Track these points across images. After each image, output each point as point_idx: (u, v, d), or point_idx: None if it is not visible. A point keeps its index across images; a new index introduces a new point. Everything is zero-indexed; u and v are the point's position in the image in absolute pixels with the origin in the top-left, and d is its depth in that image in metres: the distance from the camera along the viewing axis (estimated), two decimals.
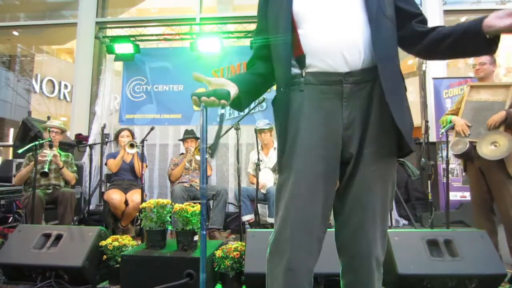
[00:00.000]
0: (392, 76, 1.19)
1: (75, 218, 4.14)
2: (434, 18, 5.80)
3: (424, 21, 1.27)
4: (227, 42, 5.55)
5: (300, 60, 1.21)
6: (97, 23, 6.37)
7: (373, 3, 1.19)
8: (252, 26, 5.40)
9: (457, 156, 3.11)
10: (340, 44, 1.17)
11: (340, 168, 1.22)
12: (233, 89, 1.19)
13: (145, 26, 5.83)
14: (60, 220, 3.77)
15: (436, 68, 5.59)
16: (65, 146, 4.94)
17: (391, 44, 1.22)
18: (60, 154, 3.97)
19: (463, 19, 6.56)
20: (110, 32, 5.80)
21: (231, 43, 5.67)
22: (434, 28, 1.24)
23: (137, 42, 5.50)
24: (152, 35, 5.71)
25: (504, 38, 1.12)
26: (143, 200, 3.71)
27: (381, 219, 1.21)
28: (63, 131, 4.18)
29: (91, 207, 4.94)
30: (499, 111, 2.81)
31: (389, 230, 2.53)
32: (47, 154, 3.72)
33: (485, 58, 2.99)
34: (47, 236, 2.65)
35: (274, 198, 1.29)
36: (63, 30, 7.66)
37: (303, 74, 1.21)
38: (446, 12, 5.97)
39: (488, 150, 2.77)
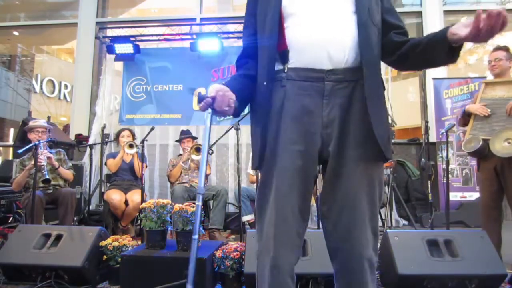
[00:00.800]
0: (374, 81, 1.20)
1: (75, 218, 4.13)
2: (434, 18, 5.80)
3: (404, 33, 1.28)
4: (227, 42, 5.55)
5: (284, 54, 1.21)
6: (97, 23, 6.38)
7: (364, 9, 1.20)
8: None
9: (470, 154, 3.06)
10: (325, 41, 1.17)
11: (322, 168, 1.24)
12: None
13: (145, 26, 5.84)
14: (60, 220, 3.76)
15: (436, 68, 5.59)
16: (64, 146, 4.94)
17: (377, 50, 1.23)
18: (51, 153, 3.93)
19: (463, 19, 6.54)
20: (110, 32, 5.80)
21: (231, 43, 5.68)
22: (409, 39, 1.25)
23: (137, 42, 5.50)
24: (152, 35, 5.71)
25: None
26: (143, 200, 3.71)
27: (370, 220, 1.21)
28: (49, 130, 4.11)
29: (91, 207, 4.95)
30: None
31: (389, 230, 2.54)
32: (43, 159, 3.66)
33: (501, 54, 2.95)
34: (47, 236, 2.65)
35: (256, 197, 1.30)
36: (63, 30, 7.66)
37: (285, 70, 1.21)
38: (446, 12, 5.97)
39: (501, 147, 2.74)
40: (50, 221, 4.10)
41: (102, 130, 5.44)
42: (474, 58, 7.66)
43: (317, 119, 1.18)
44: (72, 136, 5.89)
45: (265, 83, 1.22)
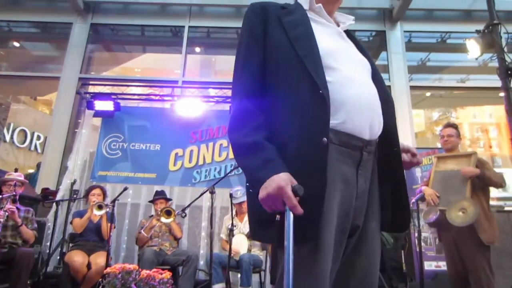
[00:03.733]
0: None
1: (29, 282, 3.81)
2: (402, 92, 6.25)
3: None
4: (207, 105, 5.69)
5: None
6: (80, 78, 6.44)
7: (386, 86, 1.24)
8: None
9: (430, 225, 3.22)
10: (370, 109, 1.11)
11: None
12: None
13: (127, 85, 5.94)
14: (12, 283, 3.45)
15: (405, 138, 5.88)
16: (29, 200, 4.70)
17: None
18: (19, 210, 3.74)
19: (428, 94, 7.12)
20: (92, 89, 5.86)
21: (210, 106, 5.83)
22: None
23: (118, 100, 5.56)
24: (134, 94, 5.80)
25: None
26: (108, 264, 3.50)
27: None
28: (23, 184, 3.97)
29: (48, 269, 4.59)
30: (463, 178, 2.98)
31: None
32: (2, 214, 3.48)
33: (452, 131, 3.26)
34: None
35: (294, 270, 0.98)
36: (44, 82, 7.69)
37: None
38: (412, 87, 6.45)
39: (456, 216, 2.88)
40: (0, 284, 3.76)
41: (72, 186, 5.25)
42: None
43: (353, 190, 1.09)
44: (38, 190, 5.64)
45: (325, 139, 1.01)
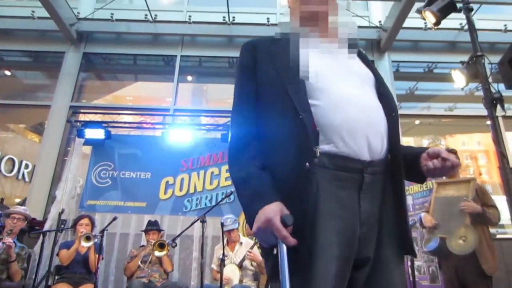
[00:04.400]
0: (402, 173, 1.13)
1: None
2: None
3: None
4: (198, 133, 5.70)
5: (312, 136, 1.02)
6: (71, 107, 6.42)
7: (391, 97, 1.17)
8: (223, 120, 5.64)
9: (430, 253, 3.16)
10: (364, 125, 1.04)
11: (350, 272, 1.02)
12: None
13: (118, 114, 5.94)
14: None
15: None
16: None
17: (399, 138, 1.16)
18: (15, 245, 3.65)
19: (417, 122, 7.24)
20: (82, 117, 5.84)
21: (202, 134, 5.83)
22: None
23: (109, 128, 5.54)
24: (125, 122, 5.80)
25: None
26: None
27: None
28: (27, 218, 3.91)
29: None
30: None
31: None
32: (1, 246, 3.41)
33: None
34: None
35: None
36: (34, 110, 7.65)
37: (317, 154, 1.01)
38: (402, 115, 6.51)
39: (456, 244, 2.84)
40: None
41: (59, 216, 5.12)
42: None
43: (355, 216, 1.02)
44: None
45: (307, 164, 0.98)
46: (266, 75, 1.17)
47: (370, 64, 1.26)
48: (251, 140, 1.10)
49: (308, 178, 0.98)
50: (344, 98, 1.07)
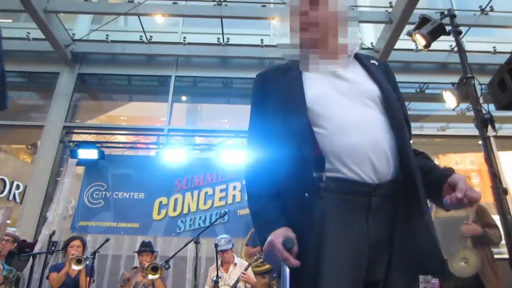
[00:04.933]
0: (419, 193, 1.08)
1: None
2: None
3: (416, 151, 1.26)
4: (192, 153, 5.68)
5: (318, 162, 1.05)
6: (64, 127, 6.40)
7: (397, 108, 1.15)
8: (217, 140, 5.64)
9: (432, 275, 3.11)
10: (367, 149, 1.05)
11: None
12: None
13: (112, 134, 5.92)
14: None
15: None
16: None
17: (413, 156, 1.13)
18: (3, 268, 3.55)
19: (411, 142, 7.27)
20: (76, 137, 5.81)
21: (196, 154, 5.82)
22: (419, 153, 1.25)
23: (103, 149, 5.51)
24: (119, 142, 5.77)
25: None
26: None
27: None
28: (16, 240, 3.80)
29: None
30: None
31: None
32: None
33: None
34: None
35: None
36: (28, 131, 7.60)
37: (323, 179, 1.03)
38: None
39: (458, 266, 2.81)
40: None
41: (50, 238, 5.01)
42: None
43: (362, 239, 1.02)
44: None
45: (306, 194, 1.03)
46: (273, 107, 1.22)
47: (376, 78, 1.22)
48: (262, 173, 1.18)
49: (310, 206, 1.02)
50: (346, 123, 1.08)
